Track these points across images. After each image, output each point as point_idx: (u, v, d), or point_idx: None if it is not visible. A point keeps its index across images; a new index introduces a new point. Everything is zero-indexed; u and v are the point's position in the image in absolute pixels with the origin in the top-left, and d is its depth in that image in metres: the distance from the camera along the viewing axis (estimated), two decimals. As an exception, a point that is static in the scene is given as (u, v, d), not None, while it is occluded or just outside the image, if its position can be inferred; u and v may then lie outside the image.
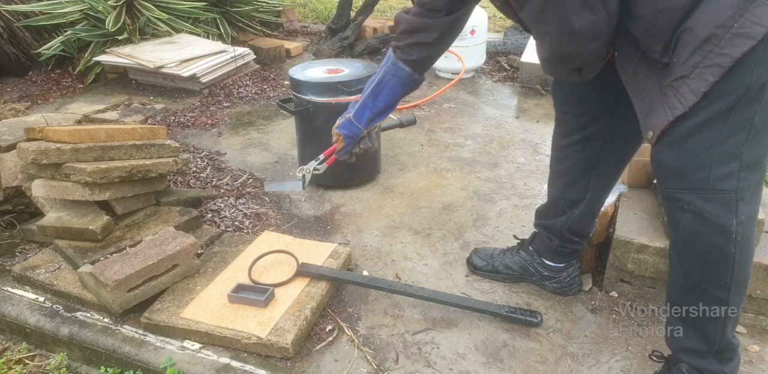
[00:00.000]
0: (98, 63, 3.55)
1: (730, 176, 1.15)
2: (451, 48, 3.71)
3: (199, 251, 1.93)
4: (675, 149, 1.17)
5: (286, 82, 3.64)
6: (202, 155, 2.70)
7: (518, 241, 1.88)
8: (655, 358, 1.45)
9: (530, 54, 3.44)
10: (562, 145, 1.60)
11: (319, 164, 1.75)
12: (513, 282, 1.84)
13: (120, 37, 3.52)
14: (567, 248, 1.72)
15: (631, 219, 1.73)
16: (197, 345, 1.60)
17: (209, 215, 2.22)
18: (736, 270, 1.23)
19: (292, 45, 4.22)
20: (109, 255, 1.80)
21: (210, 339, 1.59)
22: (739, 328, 1.64)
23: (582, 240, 1.72)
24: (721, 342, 1.30)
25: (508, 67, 3.82)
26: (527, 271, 1.80)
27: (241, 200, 2.33)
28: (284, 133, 2.97)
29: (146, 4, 3.69)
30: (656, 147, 1.20)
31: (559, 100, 1.55)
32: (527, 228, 2.13)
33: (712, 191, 1.17)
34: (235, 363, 1.54)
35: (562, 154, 1.61)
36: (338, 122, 1.66)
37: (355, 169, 2.40)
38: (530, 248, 1.80)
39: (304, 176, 1.75)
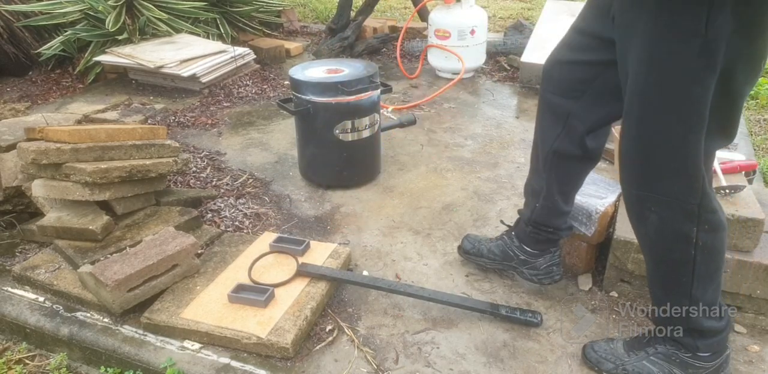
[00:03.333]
0: (98, 63, 3.55)
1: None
2: (451, 48, 3.73)
3: (199, 251, 1.93)
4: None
5: (286, 82, 3.64)
6: (202, 155, 2.70)
7: (506, 227, 1.89)
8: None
9: (530, 54, 3.44)
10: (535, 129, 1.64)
11: None
12: (496, 268, 1.87)
13: (120, 37, 3.52)
14: (541, 236, 1.72)
15: (631, 219, 1.73)
16: (197, 345, 1.60)
17: (209, 215, 2.22)
18: (698, 270, 1.31)
19: (292, 45, 4.22)
20: (109, 255, 1.80)
21: (210, 339, 1.59)
22: (739, 328, 1.65)
23: (556, 231, 1.71)
24: (688, 324, 1.39)
25: (508, 67, 3.82)
26: (507, 255, 1.80)
27: (241, 200, 2.33)
28: (284, 133, 2.97)
29: (146, 4, 3.70)
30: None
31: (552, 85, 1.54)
32: (527, 228, 2.13)
33: (676, 201, 1.25)
34: (235, 363, 1.54)
35: (534, 139, 1.65)
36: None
37: (355, 169, 2.41)
38: (512, 233, 1.82)
39: None
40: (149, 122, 3.00)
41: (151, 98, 3.42)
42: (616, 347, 1.51)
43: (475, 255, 1.87)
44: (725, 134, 1.25)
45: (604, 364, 1.48)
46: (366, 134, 2.32)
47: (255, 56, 3.81)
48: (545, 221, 1.69)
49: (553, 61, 1.52)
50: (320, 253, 1.88)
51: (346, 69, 2.30)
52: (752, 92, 3.57)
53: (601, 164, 2.57)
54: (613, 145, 2.49)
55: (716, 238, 1.30)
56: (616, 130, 1.94)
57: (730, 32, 1.09)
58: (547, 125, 1.56)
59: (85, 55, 3.58)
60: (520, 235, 1.78)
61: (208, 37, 3.88)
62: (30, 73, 3.79)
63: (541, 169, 1.62)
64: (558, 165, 1.59)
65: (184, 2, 3.89)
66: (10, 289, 1.87)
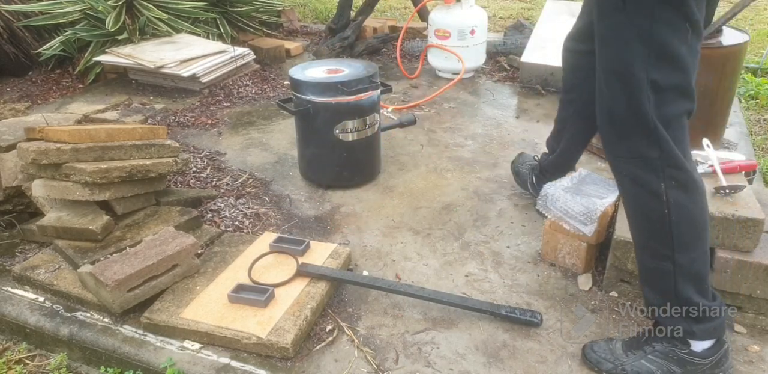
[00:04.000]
0: (98, 63, 3.55)
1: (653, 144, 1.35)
2: (451, 48, 3.73)
3: (199, 251, 1.93)
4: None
5: (286, 82, 3.64)
6: (202, 155, 2.70)
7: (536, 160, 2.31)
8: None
9: (530, 54, 3.44)
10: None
11: None
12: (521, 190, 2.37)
13: (120, 37, 3.52)
14: (546, 178, 2.12)
15: (631, 219, 1.73)
16: (197, 345, 1.60)
17: (209, 215, 2.22)
18: (675, 230, 1.37)
19: (292, 45, 4.22)
20: (109, 255, 1.80)
21: (210, 339, 1.59)
22: (739, 328, 1.65)
23: (552, 177, 2.09)
24: (677, 298, 1.41)
25: (508, 67, 3.82)
26: (524, 185, 2.33)
27: (241, 200, 2.33)
28: (284, 133, 2.97)
29: (146, 4, 3.69)
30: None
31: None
32: (527, 228, 2.13)
33: (640, 157, 1.37)
34: (235, 363, 1.54)
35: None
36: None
37: (355, 169, 2.41)
38: (531, 170, 2.29)
39: None
40: (149, 122, 3.00)
41: (151, 98, 3.42)
42: (615, 347, 1.52)
43: (516, 172, 2.39)
44: (682, 95, 1.35)
45: (604, 364, 1.50)
46: (366, 134, 2.32)
47: (255, 56, 3.80)
48: (550, 169, 2.15)
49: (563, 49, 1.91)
50: (320, 253, 1.88)
51: (346, 69, 2.30)
52: (752, 92, 3.57)
53: (601, 164, 2.57)
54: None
55: (688, 198, 1.36)
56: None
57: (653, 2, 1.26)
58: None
59: (85, 55, 3.58)
60: (535, 173, 2.26)
61: (208, 37, 3.88)
62: (30, 73, 3.79)
63: (558, 138, 2.10)
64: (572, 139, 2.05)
65: (184, 2, 3.89)
66: (10, 289, 1.87)
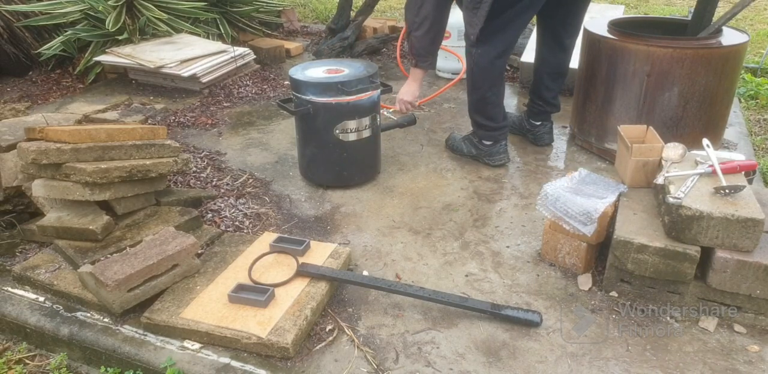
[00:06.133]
0: (98, 63, 3.55)
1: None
2: (450, 48, 3.74)
3: (199, 251, 1.93)
4: None
5: (286, 82, 3.64)
6: (202, 155, 2.70)
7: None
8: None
9: (530, 54, 3.43)
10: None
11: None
12: (513, 133, 2.81)
13: (120, 37, 3.52)
14: (536, 109, 2.72)
15: (631, 219, 1.73)
16: (197, 345, 1.60)
17: (209, 215, 2.22)
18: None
19: (292, 45, 4.22)
20: (109, 255, 1.80)
21: (210, 339, 1.59)
22: (739, 328, 1.65)
23: (544, 104, 2.69)
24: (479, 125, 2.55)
25: (508, 68, 3.82)
26: (521, 126, 2.84)
27: (241, 200, 2.33)
28: (284, 133, 2.97)
29: (146, 4, 3.70)
30: None
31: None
32: (527, 228, 2.13)
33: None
34: (235, 363, 1.54)
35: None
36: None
37: (355, 169, 2.41)
38: (525, 111, 2.86)
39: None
40: (149, 122, 3.00)
41: (151, 98, 3.42)
42: (459, 135, 2.70)
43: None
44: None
45: (448, 142, 2.74)
46: (366, 134, 2.32)
47: (255, 56, 3.81)
48: (538, 91, 2.68)
49: None
50: (320, 253, 1.88)
51: (346, 69, 2.30)
52: (752, 92, 3.58)
53: (601, 164, 2.57)
54: (614, 145, 2.49)
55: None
56: (620, 129, 1.94)
57: None
58: None
59: (85, 55, 3.58)
60: (528, 113, 2.80)
61: (208, 37, 3.88)
62: (30, 73, 3.79)
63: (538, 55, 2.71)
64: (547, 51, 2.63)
65: (184, 2, 3.89)
66: (10, 289, 1.87)
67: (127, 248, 1.83)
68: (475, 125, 2.56)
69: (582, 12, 2.49)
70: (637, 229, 1.68)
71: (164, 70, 3.33)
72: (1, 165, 2.04)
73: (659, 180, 1.72)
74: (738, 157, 1.87)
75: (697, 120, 2.35)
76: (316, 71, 2.29)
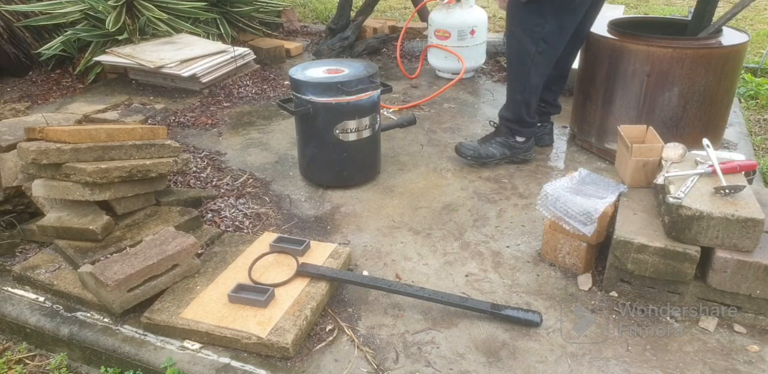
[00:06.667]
0: (98, 63, 3.55)
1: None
2: (451, 48, 3.73)
3: (199, 251, 1.93)
4: None
5: (286, 82, 3.64)
6: (202, 155, 2.70)
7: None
8: (491, 124, 2.68)
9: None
10: None
11: None
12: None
13: (120, 37, 3.52)
14: (537, 110, 2.60)
15: (631, 219, 1.73)
16: (197, 345, 1.60)
17: (209, 215, 2.22)
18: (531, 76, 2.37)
19: (292, 45, 4.22)
20: (109, 255, 1.80)
21: (210, 339, 1.59)
22: (739, 328, 1.65)
23: (545, 105, 2.67)
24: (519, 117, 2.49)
25: (508, 67, 3.82)
26: None
27: (241, 200, 2.33)
28: (284, 133, 2.97)
29: (146, 4, 3.69)
30: None
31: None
32: (527, 228, 2.13)
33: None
34: (235, 363, 1.54)
35: None
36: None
37: (355, 169, 2.41)
38: None
39: None
40: (149, 122, 3.00)
41: (151, 98, 3.42)
42: (474, 143, 2.58)
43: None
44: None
45: (468, 152, 2.55)
46: (366, 134, 2.32)
47: (255, 56, 3.81)
48: (544, 96, 2.61)
49: None
50: (320, 253, 1.88)
51: (346, 69, 2.30)
52: (752, 92, 3.58)
53: (601, 164, 2.57)
54: (614, 145, 2.49)
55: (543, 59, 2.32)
56: (620, 129, 1.94)
57: None
58: None
59: (85, 55, 3.58)
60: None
61: (208, 37, 3.88)
62: (30, 73, 3.79)
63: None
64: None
65: (184, 2, 3.89)
66: (10, 289, 1.87)
67: (127, 248, 1.83)
68: (513, 123, 2.50)
69: (593, 18, 2.47)
70: (637, 229, 1.68)
71: (164, 70, 3.33)
72: (1, 165, 2.04)
73: (659, 180, 1.72)
74: (738, 157, 1.87)
75: (697, 120, 2.35)
76: (316, 71, 2.29)
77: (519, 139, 2.53)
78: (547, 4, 2.19)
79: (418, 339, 1.63)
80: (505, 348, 1.60)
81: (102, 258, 1.79)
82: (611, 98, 2.46)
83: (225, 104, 3.35)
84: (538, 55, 2.28)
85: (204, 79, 3.42)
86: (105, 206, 1.95)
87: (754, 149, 2.86)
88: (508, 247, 2.03)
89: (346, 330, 1.66)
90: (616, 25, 2.45)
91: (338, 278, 1.77)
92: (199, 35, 3.82)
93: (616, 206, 1.82)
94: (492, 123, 2.70)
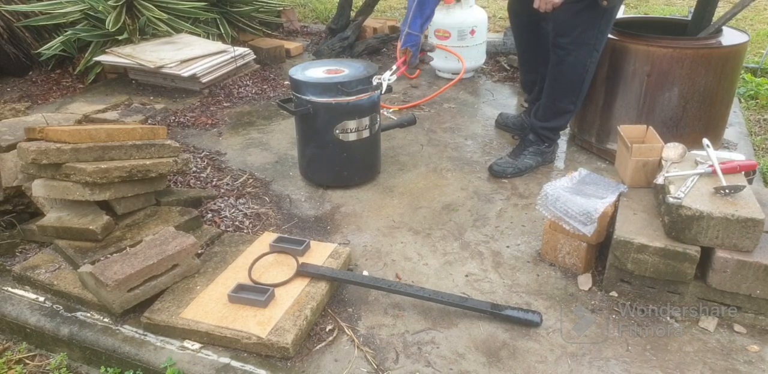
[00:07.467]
0: (98, 63, 3.55)
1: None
2: (451, 48, 3.73)
3: (199, 251, 1.93)
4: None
5: (286, 82, 3.64)
6: (202, 155, 2.70)
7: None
8: (514, 138, 2.83)
9: (530, 54, 3.43)
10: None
11: (392, 74, 2.23)
12: (513, 134, 2.89)
13: (120, 37, 3.52)
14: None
15: (631, 219, 1.73)
16: (197, 345, 1.60)
17: (209, 215, 2.22)
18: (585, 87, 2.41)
19: (292, 45, 4.22)
20: (109, 255, 1.80)
21: (210, 339, 1.59)
22: (739, 328, 1.65)
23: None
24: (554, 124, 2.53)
25: (508, 67, 3.82)
26: (522, 126, 2.82)
27: (241, 200, 2.33)
28: (284, 133, 2.97)
29: (146, 4, 3.69)
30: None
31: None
32: (527, 228, 2.13)
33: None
34: (235, 363, 1.54)
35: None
36: (400, 42, 2.26)
37: (355, 169, 2.41)
38: (525, 112, 2.88)
39: (380, 83, 2.21)
40: (149, 122, 3.00)
41: (151, 98, 3.42)
42: (506, 158, 2.53)
43: (504, 125, 2.97)
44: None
45: (506, 171, 2.49)
46: (366, 134, 2.32)
47: (255, 56, 3.81)
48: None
49: None
50: (320, 253, 1.88)
51: (346, 69, 2.30)
52: (752, 92, 3.57)
53: (601, 164, 2.57)
54: (614, 145, 2.49)
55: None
56: (620, 129, 1.94)
57: None
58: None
59: (85, 55, 3.58)
60: (528, 112, 2.78)
61: (208, 37, 3.88)
62: (30, 73, 3.79)
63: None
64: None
65: (184, 2, 3.89)
66: (10, 289, 1.87)
67: (127, 248, 1.83)
68: (553, 131, 2.53)
69: None
70: (637, 229, 1.68)
71: (164, 70, 3.32)
72: (1, 165, 2.04)
73: (659, 180, 1.72)
74: (738, 157, 1.87)
75: (697, 120, 2.35)
76: (316, 71, 2.29)
77: (547, 144, 2.55)
78: (603, 15, 2.20)
79: (418, 339, 1.63)
80: (505, 348, 1.60)
81: (102, 258, 1.79)
82: (611, 98, 2.46)
83: (225, 104, 3.35)
84: (591, 65, 2.31)
85: (204, 79, 3.42)
86: (105, 206, 1.95)
87: (754, 149, 2.86)
88: (508, 247, 2.03)
89: (346, 330, 1.66)
90: (616, 25, 2.45)
91: (338, 279, 1.77)
92: (199, 35, 3.82)
93: (616, 206, 1.82)
94: (515, 137, 2.80)
